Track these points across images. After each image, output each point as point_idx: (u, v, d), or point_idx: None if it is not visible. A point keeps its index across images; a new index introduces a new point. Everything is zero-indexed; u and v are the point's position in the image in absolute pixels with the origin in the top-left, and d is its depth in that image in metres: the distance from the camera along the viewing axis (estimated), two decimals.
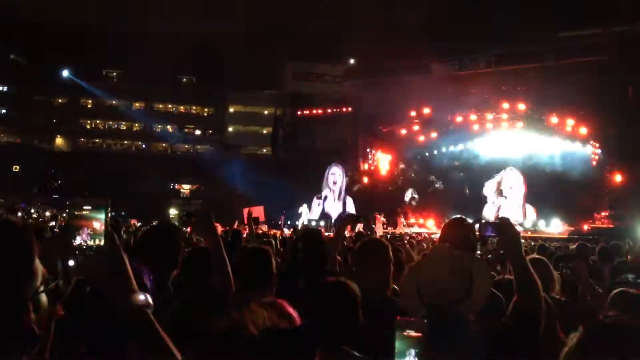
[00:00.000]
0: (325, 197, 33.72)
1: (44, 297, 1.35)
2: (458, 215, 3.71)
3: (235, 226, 17.75)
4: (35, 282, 1.33)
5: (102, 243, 1.57)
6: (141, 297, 1.57)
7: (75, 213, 1.58)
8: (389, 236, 13.34)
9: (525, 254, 2.78)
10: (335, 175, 35.10)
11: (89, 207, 1.59)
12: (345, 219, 5.01)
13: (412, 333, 1.36)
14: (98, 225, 1.58)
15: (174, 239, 3.13)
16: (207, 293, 3.08)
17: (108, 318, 1.66)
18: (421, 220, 30.77)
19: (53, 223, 14.49)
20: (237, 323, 1.18)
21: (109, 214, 1.62)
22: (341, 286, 2.36)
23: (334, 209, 33.13)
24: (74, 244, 1.55)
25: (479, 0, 30.75)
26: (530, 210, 29.85)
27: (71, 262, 1.52)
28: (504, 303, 3.06)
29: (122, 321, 1.56)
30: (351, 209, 31.99)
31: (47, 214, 23.93)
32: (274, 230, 19.48)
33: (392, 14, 30.52)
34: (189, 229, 6.93)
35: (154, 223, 11.72)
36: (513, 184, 30.67)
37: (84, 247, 1.55)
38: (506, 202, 30.49)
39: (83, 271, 1.55)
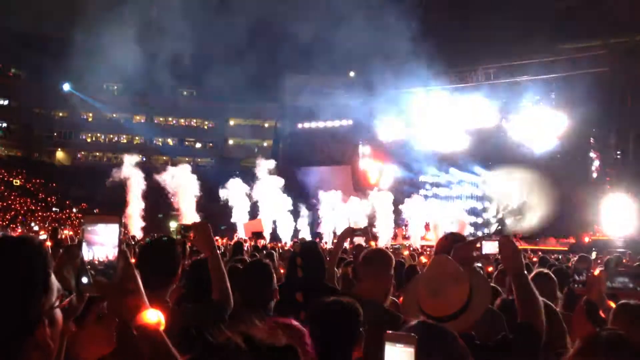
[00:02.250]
0: (318, 205, 33.72)
1: (58, 313, 1.37)
2: (453, 230, 3.71)
3: (234, 239, 17.75)
4: (51, 297, 1.34)
5: (114, 259, 1.57)
6: (152, 314, 1.58)
7: (89, 229, 1.59)
8: (389, 249, 13.30)
9: (527, 267, 2.77)
10: (329, 184, 35.35)
11: (103, 224, 1.60)
12: (343, 232, 4.99)
13: (402, 347, 1.35)
14: (111, 241, 1.59)
15: (173, 252, 3.11)
16: (207, 307, 3.06)
17: (119, 335, 1.66)
18: (421, 233, 30.74)
19: (44, 236, 14.40)
20: (228, 338, 1.17)
21: (122, 230, 1.63)
22: (347, 306, 2.34)
23: (330, 217, 33.04)
24: (87, 259, 1.56)
25: (479, 13, 30.89)
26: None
27: (84, 279, 1.53)
28: (503, 318, 3.05)
29: (133, 338, 1.56)
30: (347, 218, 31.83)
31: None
32: (274, 243, 19.46)
33: (392, 27, 30.64)
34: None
35: (153, 236, 11.70)
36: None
37: (97, 263, 1.56)
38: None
39: (95, 287, 1.55)
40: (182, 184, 26.84)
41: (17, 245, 1.34)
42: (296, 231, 31.06)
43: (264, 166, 29.86)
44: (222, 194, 29.34)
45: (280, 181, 29.71)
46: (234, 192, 29.02)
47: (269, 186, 29.16)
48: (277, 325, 1.29)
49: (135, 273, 1.60)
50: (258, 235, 12.47)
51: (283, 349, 1.23)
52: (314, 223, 33.79)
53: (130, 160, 27.18)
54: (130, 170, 26.97)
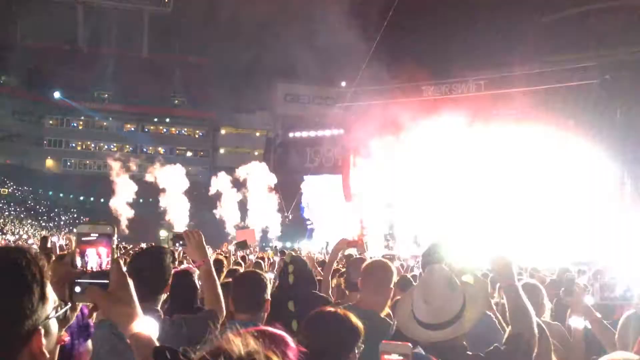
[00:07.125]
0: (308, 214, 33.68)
1: (54, 323, 1.37)
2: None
3: (224, 248, 17.62)
4: (47, 307, 1.33)
5: (108, 268, 1.56)
6: (146, 323, 1.58)
7: (83, 239, 1.58)
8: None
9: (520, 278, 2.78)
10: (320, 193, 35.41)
11: (96, 233, 1.59)
12: (338, 243, 5.01)
13: (397, 357, 1.34)
14: (104, 250, 1.58)
15: (163, 261, 3.09)
16: (196, 316, 3.04)
17: (113, 344, 1.66)
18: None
19: (32, 243, 14.31)
20: (219, 348, 1.16)
21: (115, 240, 1.63)
22: (343, 319, 2.32)
23: (321, 227, 33.01)
24: (80, 268, 1.55)
25: (469, 24, 31.09)
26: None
27: (77, 288, 1.52)
28: (497, 322, 3.05)
29: (127, 347, 1.57)
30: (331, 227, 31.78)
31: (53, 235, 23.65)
32: (265, 253, 19.37)
33: (383, 37, 30.78)
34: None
35: (143, 245, 11.64)
36: None
37: (90, 271, 1.55)
38: None
39: (88, 297, 1.54)
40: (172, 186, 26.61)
41: (14, 255, 1.33)
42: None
43: (256, 171, 29.58)
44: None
45: (271, 189, 29.61)
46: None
47: (260, 193, 29.04)
48: (256, 333, 1.28)
49: (128, 282, 1.59)
50: (242, 245, 12.27)
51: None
52: (305, 233, 33.73)
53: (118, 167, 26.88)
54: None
